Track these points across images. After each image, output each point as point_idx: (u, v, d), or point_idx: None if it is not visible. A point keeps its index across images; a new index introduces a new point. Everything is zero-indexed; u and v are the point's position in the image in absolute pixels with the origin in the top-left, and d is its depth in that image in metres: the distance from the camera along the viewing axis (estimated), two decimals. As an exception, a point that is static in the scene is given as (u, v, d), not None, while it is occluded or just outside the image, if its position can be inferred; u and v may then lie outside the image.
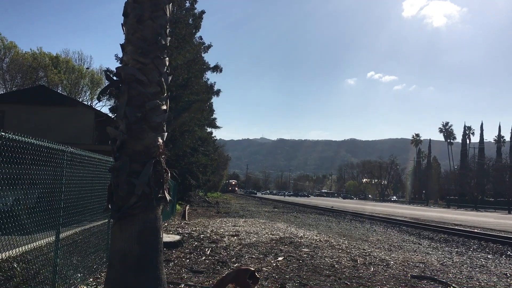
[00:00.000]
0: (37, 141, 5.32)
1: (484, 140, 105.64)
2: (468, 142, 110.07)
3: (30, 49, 60.02)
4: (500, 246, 16.62)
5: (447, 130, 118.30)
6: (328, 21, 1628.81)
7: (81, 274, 7.22)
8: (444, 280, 9.01)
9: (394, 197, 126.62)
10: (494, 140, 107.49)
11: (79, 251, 7.64)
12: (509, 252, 14.92)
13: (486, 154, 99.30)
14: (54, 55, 60.72)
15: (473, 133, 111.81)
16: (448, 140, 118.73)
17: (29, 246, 5.80)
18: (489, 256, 13.79)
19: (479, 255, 13.88)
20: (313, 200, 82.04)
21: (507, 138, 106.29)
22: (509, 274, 10.56)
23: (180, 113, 29.60)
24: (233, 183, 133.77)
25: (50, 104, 31.58)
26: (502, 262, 12.72)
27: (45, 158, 5.68)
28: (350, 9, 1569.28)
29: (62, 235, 6.54)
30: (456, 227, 24.33)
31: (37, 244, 6.01)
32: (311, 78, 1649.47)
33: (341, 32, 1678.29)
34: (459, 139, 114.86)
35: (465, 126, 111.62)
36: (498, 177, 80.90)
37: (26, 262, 6.95)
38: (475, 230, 22.73)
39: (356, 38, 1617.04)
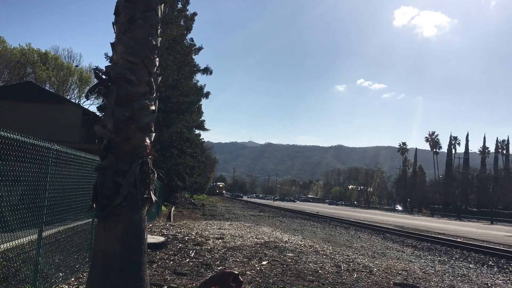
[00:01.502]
0: (23, 138, 5.26)
1: (469, 151, 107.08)
2: (453, 152, 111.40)
3: (19, 45, 59.53)
4: (482, 256, 16.83)
5: (433, 140, 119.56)
6: (319, 27, 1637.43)
7: (63, 274, 7.14)
8: (426, 288, 9.09)
9: (399, 206, 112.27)
10: (479, 151, 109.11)
11: (61, 250, 7.56)
12: (490, 262, 15.11)
13: (470, 164, 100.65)
14: (43, 51, 60.20)
15: (459, 143, 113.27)
16: (434, 150, 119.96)
17: (11, 244, 5.72)
18: (471, 266, 13.95)
19: (461, 264, 14.04)
20: (299, 205, 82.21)
21: (492, 150, 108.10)
22: (490, 283, 10.69)
23: (169, 114, 29.53)
24: (221, 185, 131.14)
25: (37, 101, 31.24)
26: (483, 271, 12.88)
27: (30, 155, 5.62)
28: (342, 15, 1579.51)
29: (44, 234, 6.47)
30: (439, 236, 24.56)
31: (19, 242, 5.94)
32: (301, 83, 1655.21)
33: (332, 38, 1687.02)
34: (445, 148, 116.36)
35: (451, 136, 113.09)
36: (482, 188, 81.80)
37: (7, 260, 6.86)
38: (458, 240, 22.98)
39: (347, 45, 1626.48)
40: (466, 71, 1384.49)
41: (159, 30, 5.67)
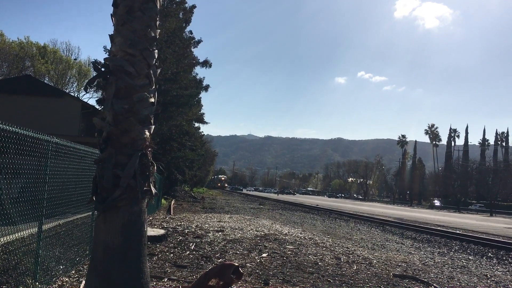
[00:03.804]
0: (22, 131, 5.25)
1: (469, 143, 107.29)
2: (453, 144, 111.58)
3: (18, 38, 59.10)
4: (481, 247, 16.88)
5: (432, 132, 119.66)
6: (319, 18, 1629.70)
7: (63, 266, 7.16)
8: (425, 280, 9.13)
9: (437, 201, 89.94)
10: (478, 143, 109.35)
11: (61, 243, 7.58)
12: (489, 254, 15.16)
13: (470, 156, 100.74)
14: (42, 45, 59.95)
15: (458, 136, 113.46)
16: (434, 142, 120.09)
17: (11, 237, 5.73)
18: (470, 257, 13.99)
19: (460, 256, 14.08)
20: (298, 198, 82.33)
21: (491, 142, 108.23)
22: (490, 275, 10.73)
23: (168, 107, 29.47)
24: (223, 178, 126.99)
25: (36, 94, 31.18)
26: (482, 263, 12.92)
27: (29, 148, 5.61)
28: (342, 7, 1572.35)
29: (45, 227, 6.48)
30: (438, 228, 24.63)
31: (20, 235, 5.95)
32: (300, 75, 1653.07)
33: (332, 30, 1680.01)
34: (444, 141, 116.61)
35: (450, 128, 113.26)
36: (481, 180, 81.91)
37: (7, 253, 6.88)
38: (457, 231, 23.04)
39: (347, 36, 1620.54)
40: (467, 63, 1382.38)
41: (158, 22, 5.64)
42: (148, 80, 5.41)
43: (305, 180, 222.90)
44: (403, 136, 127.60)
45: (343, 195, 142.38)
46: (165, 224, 16.34)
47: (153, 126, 5.54)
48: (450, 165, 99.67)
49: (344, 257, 11.50)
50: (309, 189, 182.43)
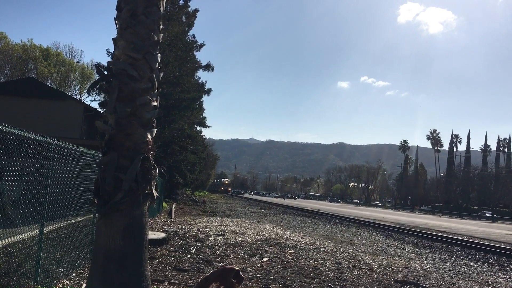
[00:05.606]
0: (24, 133, 5.26)
1: (471, 149, 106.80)
2: (455, 150, 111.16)
3: (21, 41, 59.19)
4: (483, 253, 16.82)
5: (434, 138, 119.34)
6: (322, 23, 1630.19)
7: (64, 269, 7.16)
8: (426, 286, 9.10)
9: (488, 212, 73.31)
10: (480, 149, 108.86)
11: (62, 246, 7.57)
12: (491, 260, 15.10)
13: (472, 162, 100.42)
14: (45, 47, 60.13)
15: (460, 142, 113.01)
16: (436, 148, 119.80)
17: (12, 239, 5.73)
18: (471, 264, 13.95)
19: (462, 262, 14.03)
20: (300, 203, 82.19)
21: (493, 148, 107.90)
22: (491, 281, 10.69)
23: (170, 110, 29.52)
24: (226, 182, 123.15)
25: (39, 97, 31.30)
26: (484, 269, 12.88)
27: (31, 150, 5.61)
28: (345, 11, 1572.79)
29: (46, 229, 6.48)
30: (440, 234, 24.55)
31: (21, 237, 5.95)
32: (303, 79, 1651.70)
33: (335, 35, 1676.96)
34: (446, 146, 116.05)
35: (452, 134, 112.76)
36: (483, 186, 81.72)
37: (8, 255, 6.87)
38: (459, 237, 22.97)
39: (350, 41, 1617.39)
40: (470, 69, 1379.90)
41: (161, 26, 5.66)
42: (151, 84, 5.43)
43: (307, 185, 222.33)
44: (405, 141, 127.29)
45: (357, 201, 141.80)
46: (166, 227, 16.33)
47: (155, 130, 5.55)
48: (452, 171, 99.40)
49: (345, 262, 11.47)
50: (310, 193, 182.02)
